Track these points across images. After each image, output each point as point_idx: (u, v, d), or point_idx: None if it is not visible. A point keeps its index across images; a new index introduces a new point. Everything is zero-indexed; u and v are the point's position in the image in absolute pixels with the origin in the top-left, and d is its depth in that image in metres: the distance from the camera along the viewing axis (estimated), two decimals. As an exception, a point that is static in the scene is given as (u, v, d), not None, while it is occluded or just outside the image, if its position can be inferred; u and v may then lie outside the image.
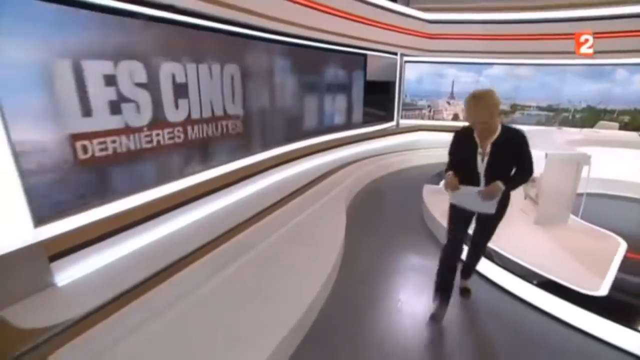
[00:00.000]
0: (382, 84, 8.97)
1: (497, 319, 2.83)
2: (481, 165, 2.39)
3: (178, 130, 3.55)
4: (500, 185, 2.30)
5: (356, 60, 7.50)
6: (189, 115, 3.68)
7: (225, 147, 4.31)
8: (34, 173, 2.42)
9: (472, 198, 2.41)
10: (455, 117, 10.01)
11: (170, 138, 3.46)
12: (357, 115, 7.94)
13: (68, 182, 2.69)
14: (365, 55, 7.82)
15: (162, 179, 3.42)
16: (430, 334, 2.64)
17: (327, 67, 6.68)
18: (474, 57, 9.09)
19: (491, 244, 2.97)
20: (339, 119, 7.35)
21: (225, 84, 4.14)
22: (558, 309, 2.79)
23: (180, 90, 3.54)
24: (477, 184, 2.41)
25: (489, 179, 2.37)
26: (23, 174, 2.30)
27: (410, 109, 9.98)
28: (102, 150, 2.88)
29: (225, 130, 4.24)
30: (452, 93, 9.85)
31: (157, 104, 3.29)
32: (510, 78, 9.37)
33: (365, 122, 8.32)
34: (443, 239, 2.88)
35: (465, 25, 8.72)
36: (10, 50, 2.28)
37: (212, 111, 4.01)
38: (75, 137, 2.71)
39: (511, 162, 2.37)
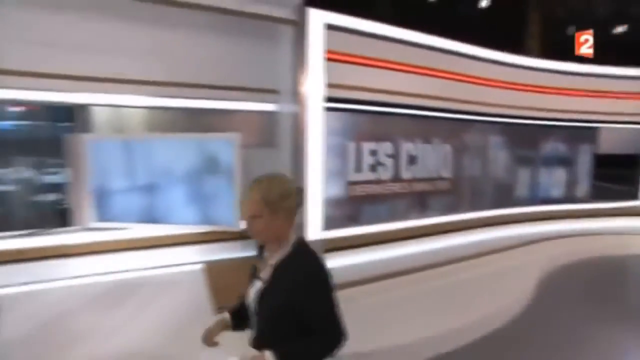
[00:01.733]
0: (623, 157, 8.14)
1: None
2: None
3: (407, 184, 5.23)
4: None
5: (583, 133, 7.44)
6: (415, 175, 5.31)
7: (438, 202, 5.66)
8: (327, 201, 4.52)
9: None
10: None
11: (401, 189, 5.16)
12: (583, 189, 7.57)
13: (342, 208, 4.72)
14: (595, 128, 7.59)
15: (392, 217, 5.10)
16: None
17: (545, 141, 7.07)
18: None
19: None
20: (557, 191, 7.33)
21: (441, 155, 5.62)
22: None
23: (411, 159, 5.26)
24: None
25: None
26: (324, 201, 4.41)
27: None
28: (361, 191, 4.84)
29: (438, 189, 5.63)
30: None
31: (396, 167, 5.10)
32: None
33: (597, 196, 7.73)
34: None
35: None
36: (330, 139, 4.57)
37: (431, 174, 5.52)
38: (350, 183, 4.76)
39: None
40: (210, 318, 2.79)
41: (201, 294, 3.57)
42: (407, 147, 5.18)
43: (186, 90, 4.25)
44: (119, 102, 4.16)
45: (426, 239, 5.29)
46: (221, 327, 1.59)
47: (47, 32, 3.81)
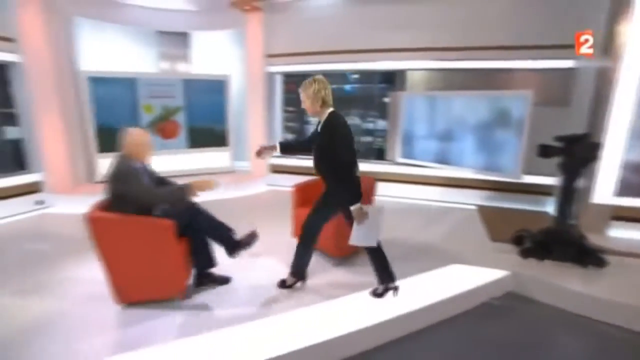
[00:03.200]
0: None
1: None
2: None
3: None
4: None
5: None
6: None
7: None
8: (626, 165, 4.05)
9: None
10: None
11: None
12: None
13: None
14: None
15: None
16: None
17: None
18: None
19: None
20: None
21: None
22: None
23: None
24: None
25: None
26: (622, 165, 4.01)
27: None
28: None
29: None
30: None
31: None
32: None
33: None
34: None
35: None
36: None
37: None
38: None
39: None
40: (487, 244, 3.74)
41: (477, 226, 4.40)
42: None
43: (478, 53, 4.95)
44: (426, 66, 5.37)
45: None
46: (272, 150, 2.70)
47: (375, 19, 5.44)
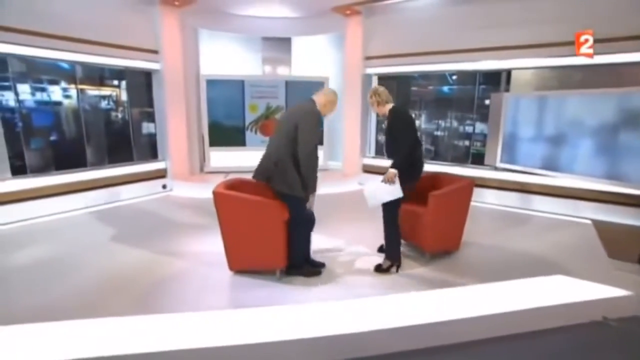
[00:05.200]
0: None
1: None
2: None
3: None
4: None
5: None
6: None
7: None
8: None
9: None
10: None
11: None
12: None
13: None
14: None
15: None
16: None
17: None
18: None
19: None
20: None
21: None
22: None
23: None
24: None
25: None
26: None
27: None
28: None
29: None
30: None
31: None
32: None
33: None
34: None
35: None
36: None
37: None
38: None
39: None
40: (603, 260, 3.44)
41: (593, 242, 4.01)
42: None
43: (603, 46, 4.46)
44: (537, 64, 5.08)
45: None
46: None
47: (476, 16, 5.35)
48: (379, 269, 3.13)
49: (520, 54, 5.10)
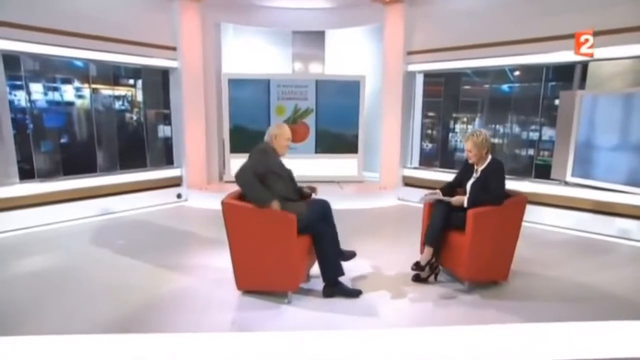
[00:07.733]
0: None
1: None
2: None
3: None
4: None
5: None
6: None
7: None
8: None
9: None
10: None
11: None
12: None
13: None
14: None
15: None
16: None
17: None
18: None
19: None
20: None
21: None
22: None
23: None
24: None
25: None
26: None
27: None
28: None
29: None
30: None
31: None
32: None
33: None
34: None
35: None
36: None
37: None
38: None
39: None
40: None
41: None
42: None
43: None
44: (618, 54, 4.37)
45: None
46: (435, 195, 3.18)
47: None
48: (417, 278, 3.16)
49: (602, 42, 4.37)
